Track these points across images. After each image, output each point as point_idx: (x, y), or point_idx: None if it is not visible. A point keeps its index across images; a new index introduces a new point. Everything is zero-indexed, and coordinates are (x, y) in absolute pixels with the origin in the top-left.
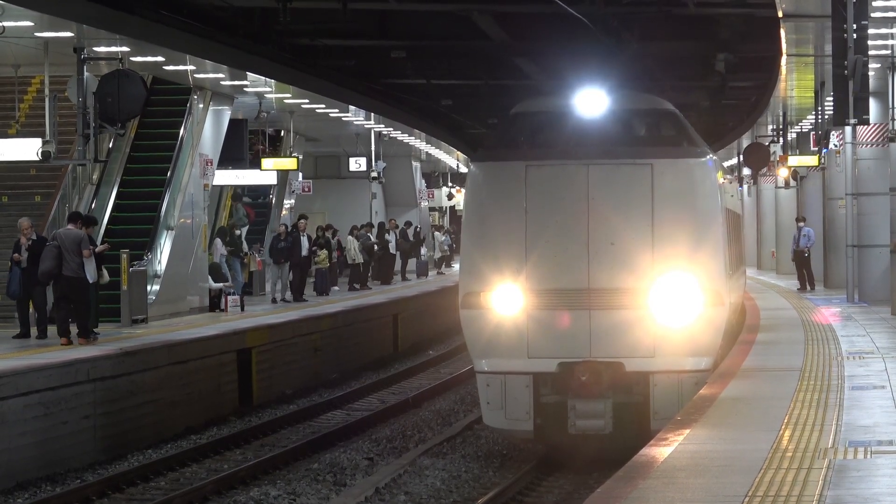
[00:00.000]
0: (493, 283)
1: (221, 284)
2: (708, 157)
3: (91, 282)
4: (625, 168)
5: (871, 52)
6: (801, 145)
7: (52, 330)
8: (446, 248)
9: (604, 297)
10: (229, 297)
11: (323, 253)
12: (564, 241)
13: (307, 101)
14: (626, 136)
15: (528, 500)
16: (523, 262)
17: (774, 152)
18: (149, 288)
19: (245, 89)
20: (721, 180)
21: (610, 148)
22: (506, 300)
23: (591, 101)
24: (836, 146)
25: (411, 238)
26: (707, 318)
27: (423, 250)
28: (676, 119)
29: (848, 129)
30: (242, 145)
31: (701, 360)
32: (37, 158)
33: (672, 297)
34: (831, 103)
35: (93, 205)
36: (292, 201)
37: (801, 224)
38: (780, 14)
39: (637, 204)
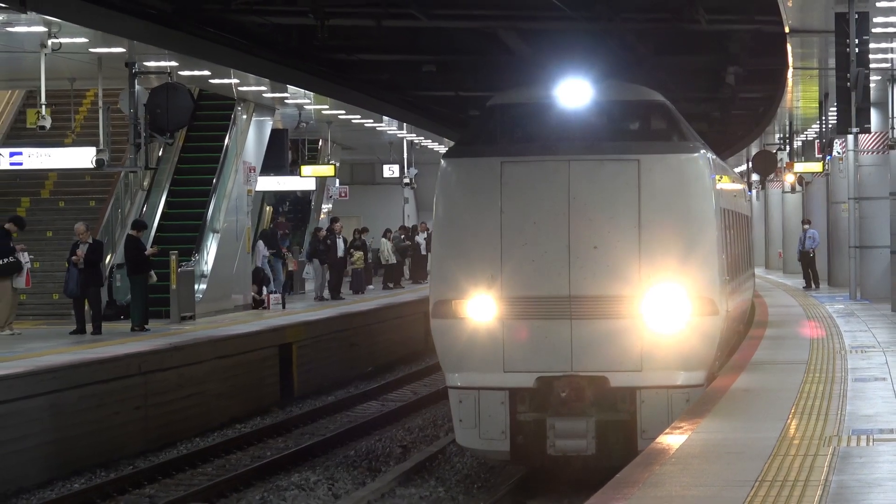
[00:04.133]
0: (466, 291)
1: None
2: (701, 152)
3: None
4: (609, 164)
5: (871, 65)
6: (806, 152)
7: (106, 326)
8: None
9: (586, 305)
10: (271, 296)
11: (358, 254)
12: (543, 245)
13: (344, 112)
14: (612, 129)
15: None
16: (499, 267)
17: (781, 159)
18: (196, 287)
19: (286, 101)
20: (718, 178)
21: (593, 142)
22: (480, 309)
23: (573, 92)
24: (839, 153)
25: None
26: (699, 329)
27: None
28: (667, 111)
29: (850, 137)
30: (283, 153)
31: (693, 374)
32: (91, 166)
33: (661, 306)
34: (835, 113)
35: (143, 209)
36: (330, 206)
37: (807, 226)
38: (786, 29)
39: (623, 203)
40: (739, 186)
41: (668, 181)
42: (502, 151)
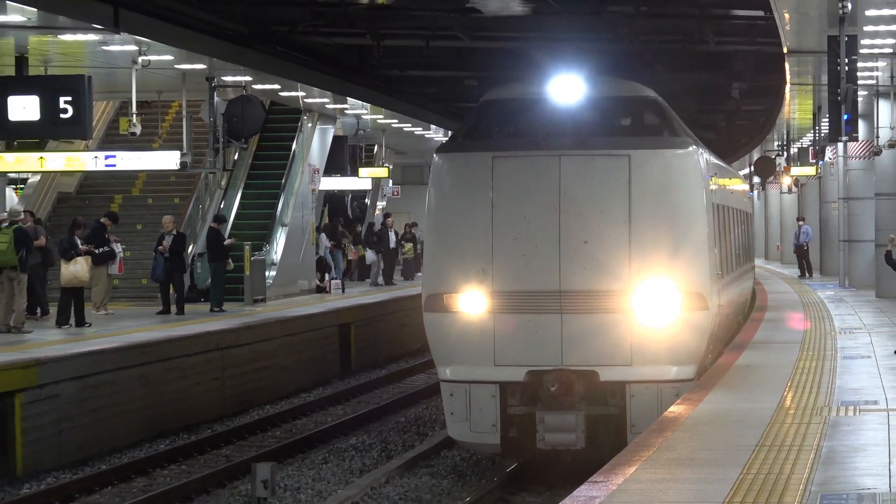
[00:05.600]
0: (458, 285)
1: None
2: (691, 147)
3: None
4: (600, 160)
5: (859, 82)
6: (801, 158)
7: (188, 307)
8: None
9: (577, 300)
10: (332, 282)
11: (409, 245)
12: (534, 240)
13: (396, 121)
14: (603, 125)
15: None
16: (490, 261)
17: (779, 164)
18: (267, 273)
19: (346, 111)
20: (713, 174)
21: (584, 138)
22: (471, 303)
23: (565, 89)
24: (830, 159)
25: None
26: (689, 324)
27: None
28: (658, 107)
29: (840, 144)
30: (344, 157)
31: (683, 369)
32: (176, 167)
33: (651, 302)
34: (827, 123)
35: (221, 205)
36: (384, 203)
37: (801, 223)
38: (784, 50)
39: (613, 199)
40: (738, 183)
41: (658, 177)
42: (494, 146)
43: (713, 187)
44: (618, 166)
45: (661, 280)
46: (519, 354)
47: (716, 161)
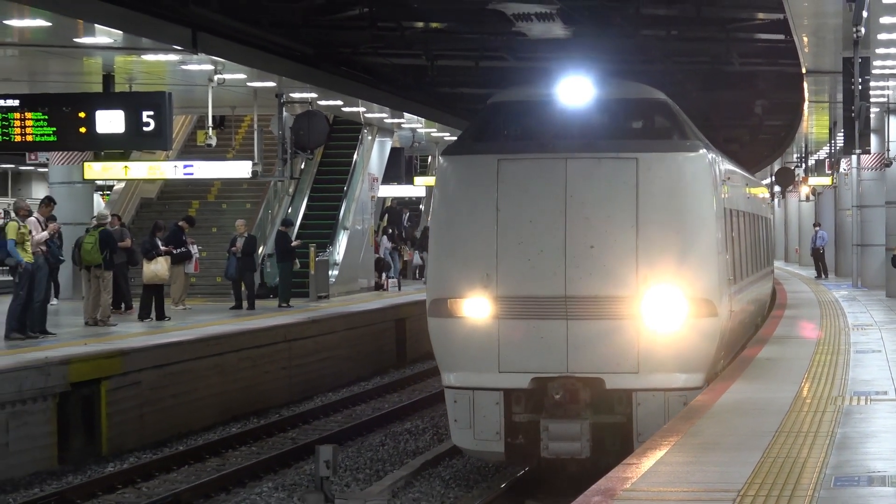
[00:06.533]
0: (462, 290)
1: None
2: (701, 151)
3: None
4: (607, 162)
5: (872, 100)
6: (818, 169)
7: (258, 303)
8: None
9: (582, 305)
10: (389, 280)
11: None
12: (539, 244)
13: (448, 134)
14: (611, 127)
15: None
16: (494, 266)
17: (798, 174)
18: (330, 272)
19: (402, 125)
20: (726, 178)
21: (591, 140)
22: (475, 308)
23: (573, 91)
24: (845, 170)
25: None
26: (697, 331)
27: None
28: (668, 109)
29: (854, 157)
30: (401, 167)
31: (690, 376)
32: (248, 176)
33: (658, 308)
34: (842, 137)
35: (289, 210)
36: None
37: (818, 228)
38: (803, 70)
39: (620, 202)
40: (755, 188)
41: (666, 180)
42: (499, 149)
43: (725, 192)
44: (625, 169)
45: (669, 286)
46: (523, 361)
47: (729, 166)
